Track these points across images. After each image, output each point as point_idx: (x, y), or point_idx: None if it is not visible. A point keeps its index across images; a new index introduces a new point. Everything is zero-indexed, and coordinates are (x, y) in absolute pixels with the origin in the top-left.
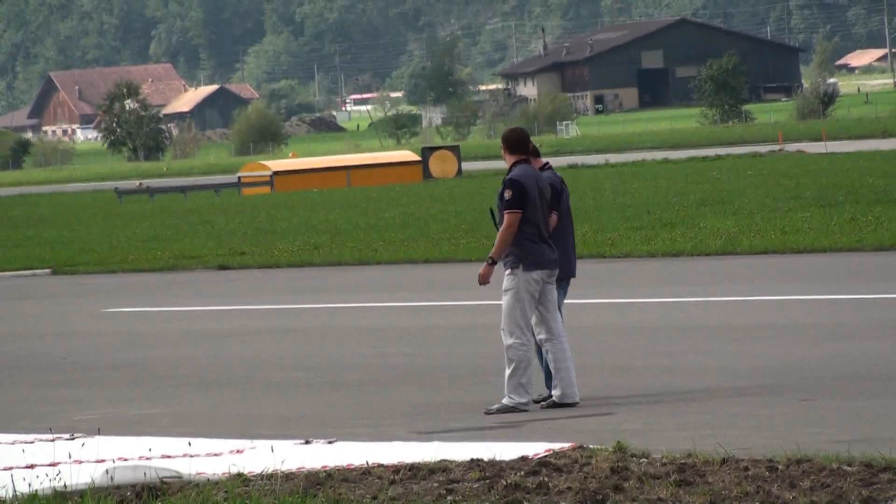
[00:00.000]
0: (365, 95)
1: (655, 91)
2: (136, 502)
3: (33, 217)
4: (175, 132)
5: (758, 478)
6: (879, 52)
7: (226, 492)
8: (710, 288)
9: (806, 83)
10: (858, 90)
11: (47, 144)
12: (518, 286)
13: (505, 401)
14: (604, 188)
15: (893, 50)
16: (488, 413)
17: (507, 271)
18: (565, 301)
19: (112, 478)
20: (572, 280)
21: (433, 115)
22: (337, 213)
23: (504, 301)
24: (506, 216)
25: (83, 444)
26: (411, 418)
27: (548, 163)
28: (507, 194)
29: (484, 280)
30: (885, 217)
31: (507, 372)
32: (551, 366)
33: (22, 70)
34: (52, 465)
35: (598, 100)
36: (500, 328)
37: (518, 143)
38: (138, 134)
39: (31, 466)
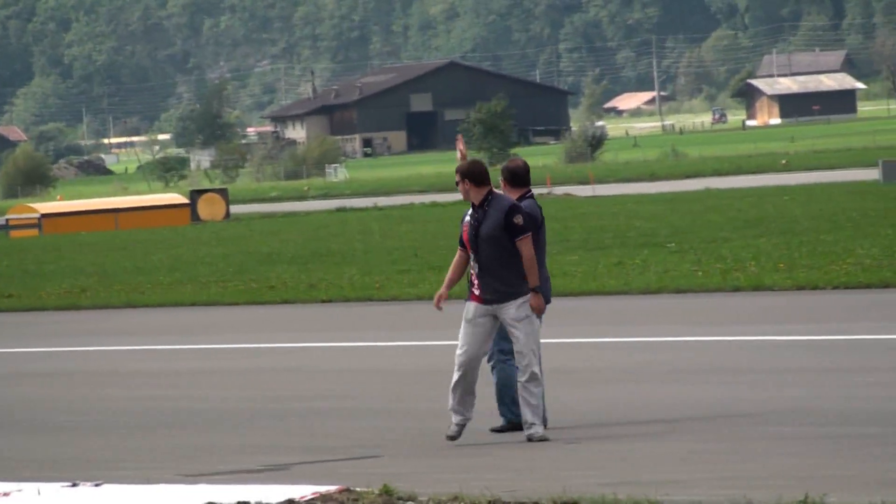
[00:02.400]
0: (132, 138)
1: (424, 134)
2: None
3: None
4: None
5: None
6: (648, 95)
7: None
8: None
9: (574, 126)
10: (627, 133)
11: None
12: (532, 312)
13: (541, 430)
14: (372, 231)
15: (662, 93)
16: (531, 440)
17: (522, 300)
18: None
19: None
20: None
21: (201, 158)
22: (105, 255)
23: (525, 329)
24: (527, 241)
25: None
26: (178, 461)
27: (529, 190)
28: (519, 220)
29: (542, 311)
30: (652, 260)
31: (536, 401)
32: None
33: None
34: None
35: (367, 143)
36: (520, 352)
37: (475, 174)
38: None
39: None
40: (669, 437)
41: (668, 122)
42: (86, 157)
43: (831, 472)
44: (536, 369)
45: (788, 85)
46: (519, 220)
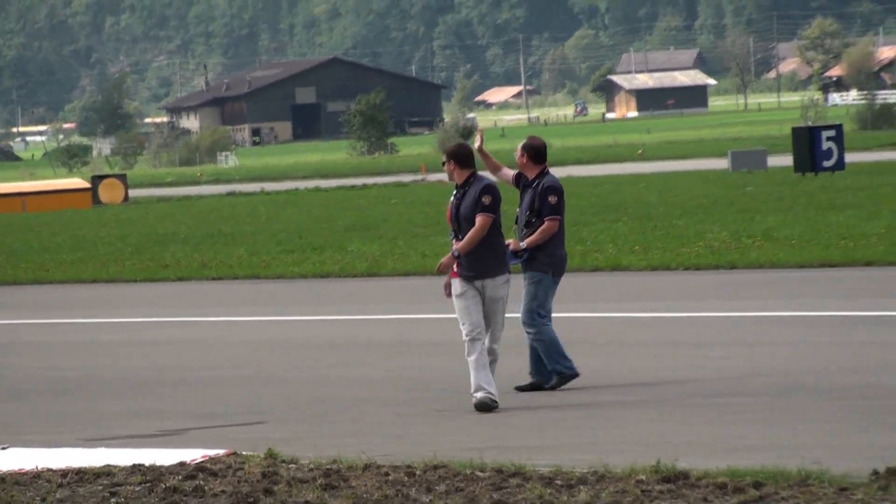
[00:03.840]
0: (39, 127)
1: (308, 125)
2: None
3: None
4: None
5: (397, 482)
6: (515, 90)
7: None
8: (356, 307)
9: (447, 118)
10: (495, 124)
11: None
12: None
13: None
14: (259, 214)
15: (528, 88)
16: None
17: (503, 279)
18: None
19: None
20: None
21: (103, 146)
22: (13, 236)
23: (503, 307)
24: (485, 219)
25: None
26: (80, 426)
27: (546, 167)
28: (487, 200)
29: (446, 268)
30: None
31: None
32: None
33: None
34: None
35: (256, 132)
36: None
37: (461, 157)
38: None
39: None
40: (534, 406)
41: (534, 114)
42: None
43: (682, 439)
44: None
45: (645, 81)
46: (487, 199)
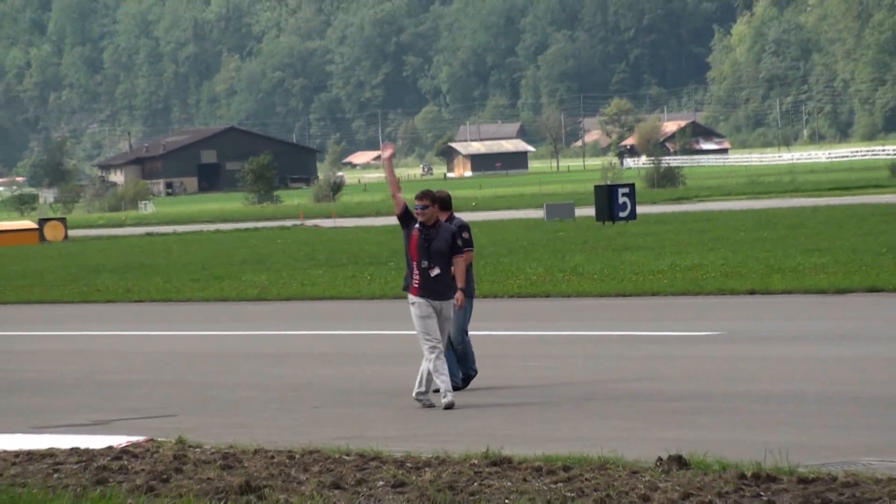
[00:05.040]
0: None
1: (211, 180)
2: None
3: None
4: None
5: (281, 464)
6: (375, 153)
7: None
8: (248, 325)
9: (321, 175)
10: (359, 181)
11: None
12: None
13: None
14: (172, 250)
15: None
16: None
17: (452, 300)
18: None
19: None
20: None
21: (47, 195)
22: None
23: (451, 321)
24: (470, 253)
25: None
26: (28, 417)
27: (452, 213)
28: (466, 235)
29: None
30: (378, 275)
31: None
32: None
33: None
34: None
35: (169, 185)
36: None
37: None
38: None
39: None
40: (389, 403)
41: None
42: None
43: (506, 432)
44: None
45: (478, 147)
46: (466, 234)
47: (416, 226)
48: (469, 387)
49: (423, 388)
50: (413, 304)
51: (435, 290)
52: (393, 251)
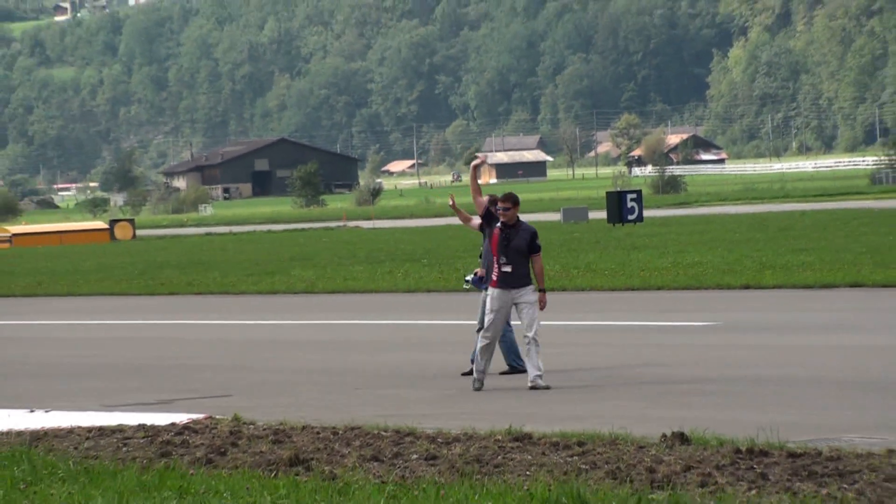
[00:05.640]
0: (73, 185)
1: (264, 185)
2: None
3: None
4: None
5: (326, 439)
6: (410, 162)
7: None
8: (297, 315)
9: (361, 182)
10: (396, 187)
11: None
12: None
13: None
14: (228, 248)
15: (419, 161)
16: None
17: (531, 287)
18: None
19: None
20: None
21: (117, 199)
22: (53, 262)
23: (533, 308)
24: (540, 256)
25: None
26: (100, 397)
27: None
28: (539, 242)
29: (545, 305)
30: (412, 270)
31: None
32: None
33: None
34: None
35: (226, 190)
36: (530, 324)
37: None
38: None
39: None
40: (422, 385)
41: (423, 180)
42: (41, 197)
43: (527, 411)
44: (538, 336)
45: (502, 157)
46: (538, 241)
47: (498, 225)
48: (491, 371)
49: (479, 371)
50: (490, 296)
51: (508, 282)
52: (426, 249)
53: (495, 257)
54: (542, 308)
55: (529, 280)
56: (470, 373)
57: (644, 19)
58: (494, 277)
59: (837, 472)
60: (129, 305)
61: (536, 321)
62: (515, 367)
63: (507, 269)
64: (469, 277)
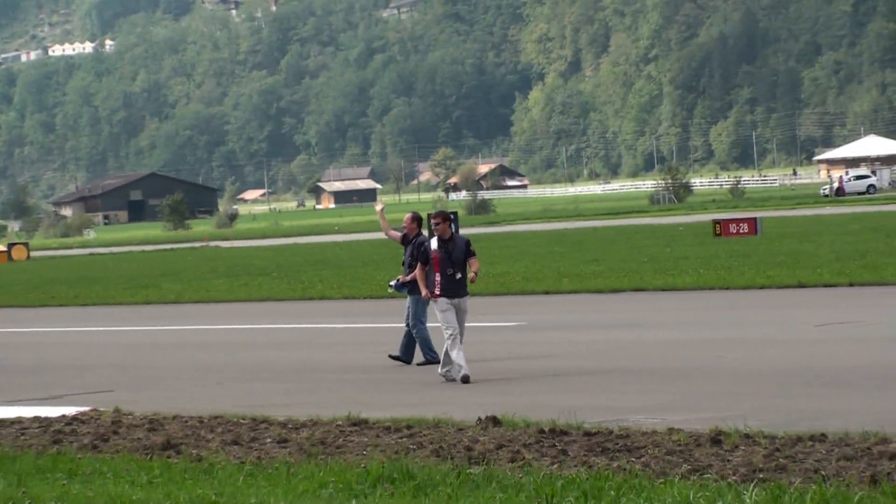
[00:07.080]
0: None
1: (138, 213)
2: None
3: None
4: None
5: (193, 426)
6: (261, 191)
7: None
8: (168, 321)
9: (221, 208)
10: (250, 212)
11: None
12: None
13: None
14: (108, 266)
15: (269, 190)
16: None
17: (468, 297)
18: None
19: None
20: None
21: (14, 225)
22: None
23: (466, 313)
24: (476, 258)
25: None
26: (1, 393)
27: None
28: (472, 248)
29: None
30: (265, 283)
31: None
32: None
33: None
34: None
35: (106, 217)
36: (461, 326)
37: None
38: None
39: None
40: (273, 379)
41: (273, 206)
42: None
43: (366, 399)
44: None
45: (339, 186)
46: (472, 247)
47: (434, 242)
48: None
49: (446, 368)
50: (437, 302)
51: (454, 290)
52: (276, 264)
53: (438, 273)
54: (475, 269)
55: (467, 290)
56: (424, 364)
57: (457, 67)
58: (438, 290)
59: (626, 447)
60: (25, 316)
61: (464, 325)
62: (429, 359)
63: (458, 275)
64: (393, 283)
